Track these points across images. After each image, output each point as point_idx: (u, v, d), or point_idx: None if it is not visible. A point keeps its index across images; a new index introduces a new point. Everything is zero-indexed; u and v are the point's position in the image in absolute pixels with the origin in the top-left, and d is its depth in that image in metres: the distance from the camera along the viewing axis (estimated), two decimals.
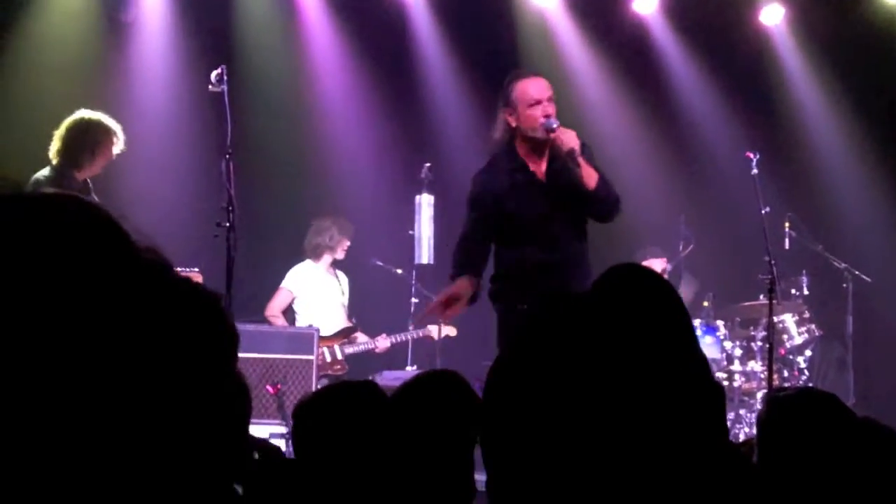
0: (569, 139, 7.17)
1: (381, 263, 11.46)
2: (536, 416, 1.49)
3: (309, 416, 2.90)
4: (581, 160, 7.14)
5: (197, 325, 1.90)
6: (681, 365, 1.53)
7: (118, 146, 8.29)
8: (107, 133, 8.23)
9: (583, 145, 7.29)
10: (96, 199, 7.91)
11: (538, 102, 7.25)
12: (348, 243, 11.32)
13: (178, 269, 7.04)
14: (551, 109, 7.27)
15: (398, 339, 11.19)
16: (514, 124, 7.36)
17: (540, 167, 7.40)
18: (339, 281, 11.46)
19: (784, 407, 2.92)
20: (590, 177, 7.19)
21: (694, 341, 1.58)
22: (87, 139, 8.18)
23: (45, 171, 8.12)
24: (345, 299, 11.47)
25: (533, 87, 7.32)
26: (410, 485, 2.81)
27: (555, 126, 7.19)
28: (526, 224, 7.29)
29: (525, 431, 1.50)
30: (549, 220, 7.31)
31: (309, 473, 2.81)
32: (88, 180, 8.27)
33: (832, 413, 2.86)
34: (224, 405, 1.92)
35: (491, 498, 1.57)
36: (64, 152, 8.14)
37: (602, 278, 1.64)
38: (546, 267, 7.21)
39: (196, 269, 8.95)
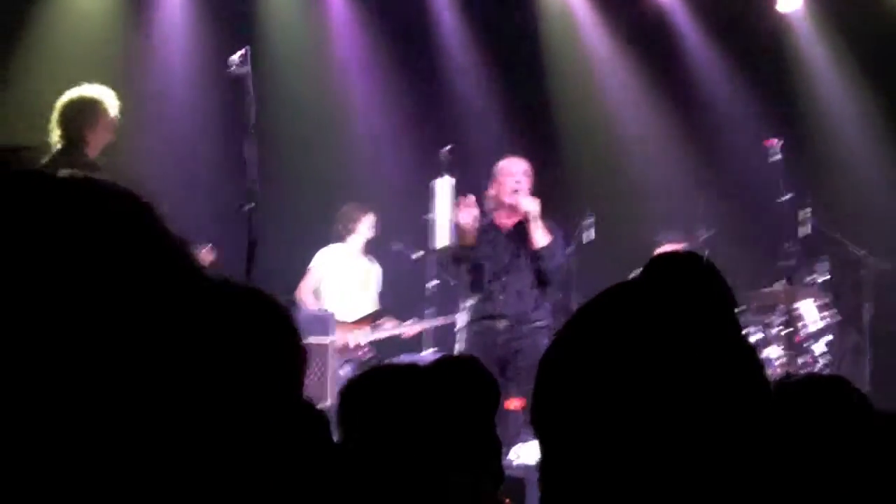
0: (527, 204, 9.03)
1: (400, 246, 11.46)
2: (591, 396, 1.53)
3: (357, 396, 2.95)
4: (539, 222, 9.02)
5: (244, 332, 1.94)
6: (730, 354, 1.56)
7: (113, 110, 8.17)
8: (94, 103, 8.09)
9: (556, 227, 9.31)
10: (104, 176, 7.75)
11: (512, 175, 9.22)
12: (372, 217, 11.29)
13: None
14: (524, 185, 9.18)
15: (428, 325, 11.12)
16: (494, 194, 9.37)
17: (507, 224, 9.36)
18: (371, 268, 11.48)
19: (792, 392, 2.93)
20: (540, 238, 9.05)
21: (738, 329, 1.61)
22: (82, 117, 8.01)
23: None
24: (375, 287, 11.51)
25: (512, 164, 9.33)
26: (442, 465, 2.85)
27: (520, 197, 9.13)
28: (485, 264, 9.26)
29: (579, 412, 1.53)
30: (501, 261, 9.25)
31: (353, 451, 2.86)
32: (96, 160, 8.11)
33: (842, 397, 2.87)
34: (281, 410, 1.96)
35: (543, 475, 1.60)
36: (65, 136, 7.97)
37: (652, 264, 1.68)
38: (493, 296, 9.24)
39: (210, 246, 8.97)
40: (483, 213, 9.37)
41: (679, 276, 1.62)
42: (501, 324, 9.09)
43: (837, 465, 2.71)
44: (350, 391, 2.97)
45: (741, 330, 1.63)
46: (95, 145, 8.03)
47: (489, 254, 9.27)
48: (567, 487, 1.56)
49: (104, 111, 8.04)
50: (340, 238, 11.32)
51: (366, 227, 11.31)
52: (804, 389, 2.88)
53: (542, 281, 9.20)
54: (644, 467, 1.50)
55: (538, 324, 9.05)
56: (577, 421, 1.54)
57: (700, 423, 1.51)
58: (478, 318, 9.30)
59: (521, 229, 9.21)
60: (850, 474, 2.70)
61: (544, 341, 8.71)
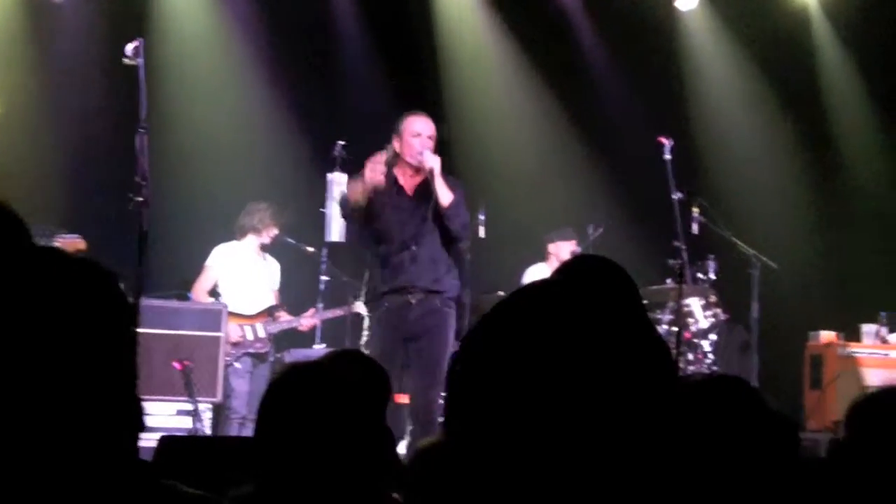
0: (431, 161, 8.63)
1: (292, 241, 11.42)
2: (506, 394, 1.53)
3: (274, 398, 2.95)
4: (441, 179, 8.61)
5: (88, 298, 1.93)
6: (641, 347, 1.57)
7: None
8: None
9: (456, 182, 8.86)
10: None
11: (419, 135, 8.72)
12: (276, 231, 11.21)
13: (60, 236, 6.86)
14: (430, 145, 8.73)
15: (329, 317, 11.14)
16: (397, 149, 8.80)
17: (410, 184, 8.85)
18: (268, 265, 11.42)
19: (692, 391, 2.96)
20: (445, 196, 8.61)
21: (648, 323, 1.62)
22: None
23: None
24: (273, 284, 11.43)
25: (418, 123, 8.81)
26: (342, 462, 2.86)
27: (424, 152, 8.68)
28: (392, 231, 8.71)
29: (494, 410, 1.53)
30: (410, 228, 8.71)
31: (271, 456, 2.87)
32: None
33: (742, 397, 2.91)
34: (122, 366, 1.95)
35: (452, 476, 1.59)
36: None
37: (565, 266, 1.69)
38: (403, 267, 8.63)
39: (78, 236, 8.87)
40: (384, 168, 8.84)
41: (591, 275, 1.63)
42: (414, 297, 8.60)
43: (735, 461, 2.75)
44: (269, 393, 2.98)
45: (651, 323, 1.65)
46: None
47: (396, 220, 8.76)
48: (478, 487, 1.56)
49: None
50: (240, 232, 11.21)
51: (270, 234, 11.24)
52: (703, 389, 2.92)
53: (453, 239, 8.82)
54: (562, 468, 1.51)
55: (447, 294, 8.71)
56: (492, 418, 1.54)
57: (617, 416, 1.52)
58: (388, 291, 8.72)
59: (426, 190, 8.73)
60: (746, 470, 2.75)
61: (451, 323, 8.60)
